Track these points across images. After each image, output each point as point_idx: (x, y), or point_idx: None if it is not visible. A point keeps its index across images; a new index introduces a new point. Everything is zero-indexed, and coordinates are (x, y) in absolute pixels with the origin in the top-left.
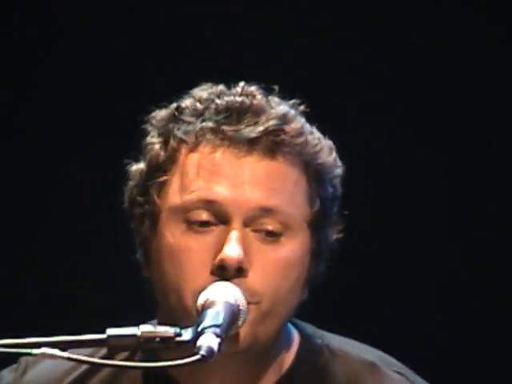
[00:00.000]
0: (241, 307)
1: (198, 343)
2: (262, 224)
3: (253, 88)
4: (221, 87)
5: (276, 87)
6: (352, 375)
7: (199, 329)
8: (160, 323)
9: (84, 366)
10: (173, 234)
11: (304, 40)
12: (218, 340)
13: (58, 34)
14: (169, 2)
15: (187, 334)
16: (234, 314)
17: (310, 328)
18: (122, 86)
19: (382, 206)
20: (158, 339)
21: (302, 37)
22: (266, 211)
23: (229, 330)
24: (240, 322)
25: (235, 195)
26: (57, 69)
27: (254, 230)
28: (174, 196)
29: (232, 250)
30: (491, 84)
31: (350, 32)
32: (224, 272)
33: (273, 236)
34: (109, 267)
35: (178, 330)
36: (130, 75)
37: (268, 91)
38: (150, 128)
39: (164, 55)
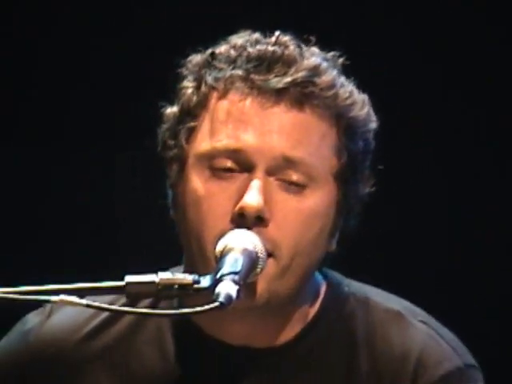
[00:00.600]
0: (259, 254)
1: (217, 290)
2: (286, 174)
3: (287, 38)
4: (256, 35)
5: (313, 38)
6: (377, 323)
7: (218, 276)
8: (185, 271)
9: (104, 315)
10: (197, 180)
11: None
12: (237, 287)
13: (58, 34)
14: (170, 3)
15: (206, 281)
16: (252, 262)
17: (337, 277)
18: (121, 85)
19: None
20: (176, 286)
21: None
22: (290, 162)
23: (247, 277)
24: (258, 270)
25: (260, 144)
26: (56, 69)
27: (278, 179)
28: (201, 142)
29: (252, 198)
30: (491, 84)
31: (348, 31)
32: (243, 220)
33: (296, 186)
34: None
35: (196, 277)
36: (129, 75)
37: (306, 42)
38: (185, 72)
39: (163, 55)
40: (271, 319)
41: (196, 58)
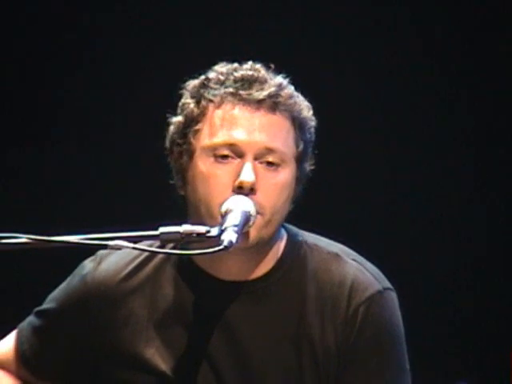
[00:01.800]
0: (251, 213)
1: (222, 237)
2: (267, 158)
3: (258, 65)
4: (235, 64)
5: (272, 65)
6: (322, 263)
7: (223, 227)
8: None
9: (138, 260)
10: (204, 165)
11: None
12: (236, 235)
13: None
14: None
15: (214, 231)
16: (246, 218)
17: (293, 229)
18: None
19: None
20: (194, 235)
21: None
22: (269, 150)
23: (243, 228)
24: (251, 223)
25: (248, 139)
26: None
27: (261, 162)
28: (205, 139)
29: (248, 175)
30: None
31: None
32: (241, 190)
33: (273, 166)
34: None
35: (208, 228)
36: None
37: (267, 67)
38: (185, 92)
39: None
40: (255, 257)
41: (193, 83)
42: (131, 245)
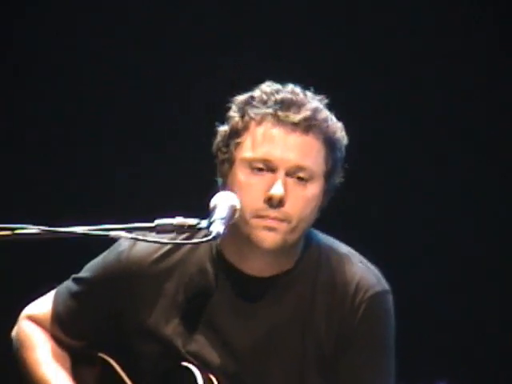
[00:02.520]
0: (237, 207)
1: (210, 229)
2: (297, 174)
3: (297, 88)
4: (278, 85)
5: (311, 88)
6: (334, 262)
7: (211, 220)
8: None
9: (167, 247)
10: (241, 174)
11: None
12: (223, 227)
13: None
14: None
15: (204, 223)
16: (232, 211)
17: (312, 231)
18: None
19: None
20: (186, 226)
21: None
22: (300, 167)
23: (229, 221)
24: (236, 216)
25: (282, 156)
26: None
27: (291, 177)
28: (245, 152)
29: (278, 190)
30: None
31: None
32: (271, 202)
33: (302, 180)
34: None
35: (198, 220)
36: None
37: (306, 89)
38: (233, 106)
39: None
40: (278, 257)
41: (239, 98)
42: (129, 235)
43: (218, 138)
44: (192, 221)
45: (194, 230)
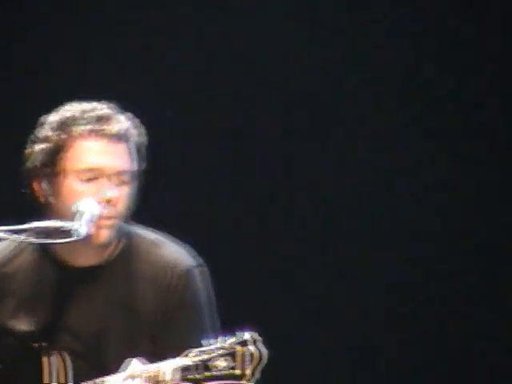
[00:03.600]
0: (96, 213)
1: (77, 230)
2: (115, 177)
3: (107, 104)
4: (91, 104)
5: (116, 106)
6: (144, 245)
7: (78, 223)
8: None
9: (12, 251)
10: (72, 184)
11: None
12: (86, 229)
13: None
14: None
15: (71, 226)
16: (93, 217)
17: (128, 224)
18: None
19: None
20: (52, 228)
21: None
22: (120, 171)
23: (91, 224)
24: (95, 220)
25: (105, 164)
26: None
27: (113, 180)
28: (71, 164)
29: (106, 193)
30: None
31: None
32: (101, 203)
33: (123, 184)
34: None
35: (67, 223)
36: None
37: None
38: (45, 126)
39: None
40: (102, 248)
41: (54, 118)
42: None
43: (39, 156)
44: (58, 223)
45: (59, 231)
